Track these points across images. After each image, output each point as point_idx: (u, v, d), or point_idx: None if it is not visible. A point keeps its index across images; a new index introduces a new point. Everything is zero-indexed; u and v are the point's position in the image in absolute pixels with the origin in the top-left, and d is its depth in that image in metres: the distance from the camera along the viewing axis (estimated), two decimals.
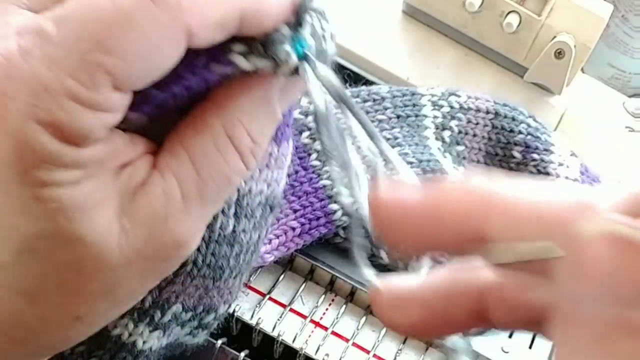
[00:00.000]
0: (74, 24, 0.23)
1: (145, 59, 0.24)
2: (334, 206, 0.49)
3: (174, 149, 0.27)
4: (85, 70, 0.23)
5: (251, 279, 0.49)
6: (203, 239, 0.31)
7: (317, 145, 0.50)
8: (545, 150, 0.56)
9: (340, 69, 0.63)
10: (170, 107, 0.27)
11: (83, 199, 0.24)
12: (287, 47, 0.27)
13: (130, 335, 0.33)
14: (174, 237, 0.27)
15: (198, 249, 0.32)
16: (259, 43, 0.26)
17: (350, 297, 0.51)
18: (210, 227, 0.32)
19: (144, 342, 0.34)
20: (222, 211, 0.32)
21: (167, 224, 0.27)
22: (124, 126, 0.26)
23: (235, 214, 0.32)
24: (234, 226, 0.33)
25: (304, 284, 0.50)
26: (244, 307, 0.48)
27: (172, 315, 0.34)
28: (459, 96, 0.56)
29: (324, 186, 0.50)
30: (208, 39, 0.25)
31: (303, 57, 0.27)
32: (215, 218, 0.32)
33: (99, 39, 0.23)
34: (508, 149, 0.56)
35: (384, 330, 0.50)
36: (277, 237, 0.48)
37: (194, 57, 0.26)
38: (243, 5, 0.25)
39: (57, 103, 0.23)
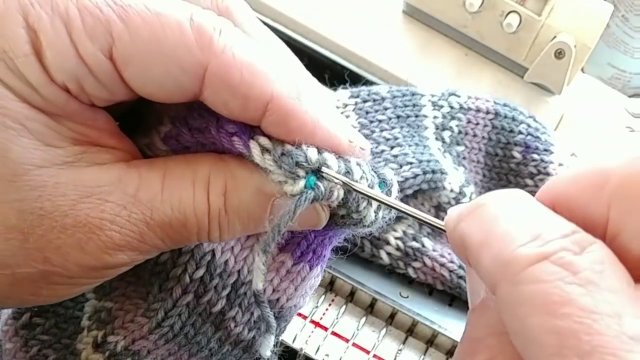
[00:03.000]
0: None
1: (150, 61, 0.26)
2: None
3: (155, 160, 0.29)
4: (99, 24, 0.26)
5: None
6: (188, 306, 0.32)
7: None
8: (545, 150, 0.56)
9: (340, 69, 0.64)
10: (187, 149, 0.30)
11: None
12: (300, 170, 0.27)
13: None
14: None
15: (179, 315, 0.32)
16: (280, 148, 0.27)
17: (350, 297, 0.51)
18: (197, 297, 0.32)
19: None
20: (215, 287, 0.32)
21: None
22: (152, 153, 0.30)
23: (229, 297, 0.32)
24: (224, 309, 0.32)
25: None
26: None
27: None
28: (459, 96, 0.56)
29: None
30: (219, 96, 0.27)
31: (312, 189, 0.27)
32: (205, 290, 0.32)
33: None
34: (508, 149, 0.56)
35: (384, 330, 0.50)
36: None
37: (226, 123, 0.28)
38: (275, 93, 0.27)
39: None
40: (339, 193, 0.28)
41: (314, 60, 0.64)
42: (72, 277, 0.28)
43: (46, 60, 0.26)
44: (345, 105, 0.52)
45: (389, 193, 0.30)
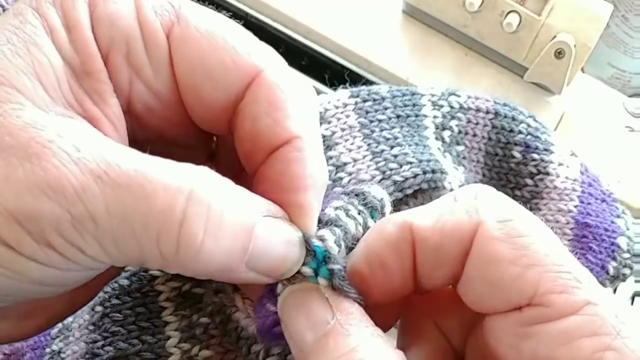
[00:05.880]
0: None
1: (209, 48, 0.25)
2: None
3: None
4: None
5: None
6: None
7: None
8: (545, 150, 0.56)
9: (340, 69, 0.64)
10: None
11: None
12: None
13: None
14: None
15: None
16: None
17: None
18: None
19: None
20: None
21: None
22: None
23: None
24: None
25: None
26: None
27: None
28: (459, 96, 0.56)
29: None
30: (256, 107, 0.26)
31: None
32: None
33: None
34: (508, 148, 0.56)
35: None
36: None
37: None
38: (303, 135, 0.27)
39: None
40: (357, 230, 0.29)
41: (314, 60, 0.64)
42: None
43: (97, 9, 0.23)
44: (345, 105, 0.52)
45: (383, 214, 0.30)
